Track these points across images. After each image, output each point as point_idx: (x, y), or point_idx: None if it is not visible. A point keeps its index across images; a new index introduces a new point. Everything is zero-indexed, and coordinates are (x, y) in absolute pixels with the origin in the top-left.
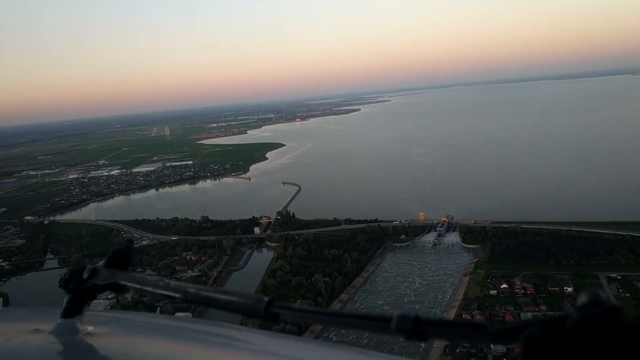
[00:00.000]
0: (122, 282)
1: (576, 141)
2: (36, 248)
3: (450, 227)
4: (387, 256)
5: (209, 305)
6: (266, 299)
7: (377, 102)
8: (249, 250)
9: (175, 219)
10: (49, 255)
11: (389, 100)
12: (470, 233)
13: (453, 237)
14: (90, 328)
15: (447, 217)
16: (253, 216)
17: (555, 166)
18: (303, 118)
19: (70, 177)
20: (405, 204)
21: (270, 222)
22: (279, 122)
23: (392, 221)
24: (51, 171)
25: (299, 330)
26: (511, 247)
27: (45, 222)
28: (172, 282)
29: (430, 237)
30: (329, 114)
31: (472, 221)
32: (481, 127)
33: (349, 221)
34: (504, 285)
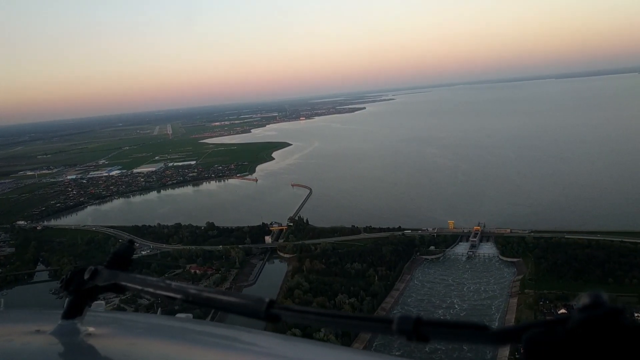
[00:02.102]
0: (123, 283)
1: (598, 140)
2: (26, 258)
3: (484, 236)
4: (417, 271)
5: (210, 307)
6: (267, 300)
7: (381, 100)
8: (260, 262)
9: (178, 225)
10: (40, 266)
11: (393, 99)
12: (508, 244)
13: (488, 249)
14: (91, 329)
15: (479, 225)
16: (263, 222)
17: (586, 167)
18: (307, 117)
19: (68, 177)
20: (428, 209)
21: (282, 229)
22: (283, 121)
23: (418, 229)
24: (49, 171)
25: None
26: (559, 261)
27: (38, 228)
28: (173, 283)
29: (462, 249)
30: (333, 113)
31: (508, 230)
32: (493, 126)
33: (369, 229)
34: (562, 310)
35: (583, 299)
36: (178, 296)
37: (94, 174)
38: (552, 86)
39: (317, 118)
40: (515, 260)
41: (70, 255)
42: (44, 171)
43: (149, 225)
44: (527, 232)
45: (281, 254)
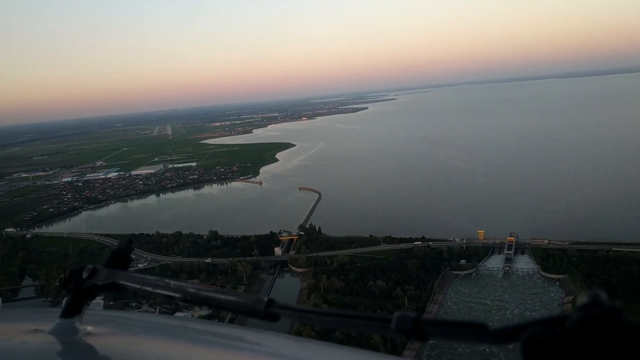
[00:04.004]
0: (122, 282)
1: (619, 140)
2: (12, 270)
3: (518, 248)
4: (449, 290)
5: (209, 306)
6: (266, 298)
7: (383, 100)
8: (270, 277)
9: (179, 234)
10: (27, 280)
11: (395, 99)
12: (549, 258)
13: (526, 263)
14: (89, 328)
15: (512, 235)
16: (271, 231)
17: (614, 169)
18: (309, 117)
19: (64, 180)
20: (451, 216)
21: (293, 239)
22: (285, 121)
23: (444, 240)
24: (45, 173)
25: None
26: (613, 279)
27: (27, 236)
28: (172, 282)
29: (496, 263)
30: (335, 113)
31: (546, 241)
32: (504, 125)
33: (389, 239)
34: None
35: (582, 298)
36: (177, 295)
37: (90, 176)
38: (557, 85)
39: (319, 118)
40: (559, 277)
41: (60, 268)
42: (39, 173)
43: (147, 234)
44: (567, 243)
45: (293, 267)
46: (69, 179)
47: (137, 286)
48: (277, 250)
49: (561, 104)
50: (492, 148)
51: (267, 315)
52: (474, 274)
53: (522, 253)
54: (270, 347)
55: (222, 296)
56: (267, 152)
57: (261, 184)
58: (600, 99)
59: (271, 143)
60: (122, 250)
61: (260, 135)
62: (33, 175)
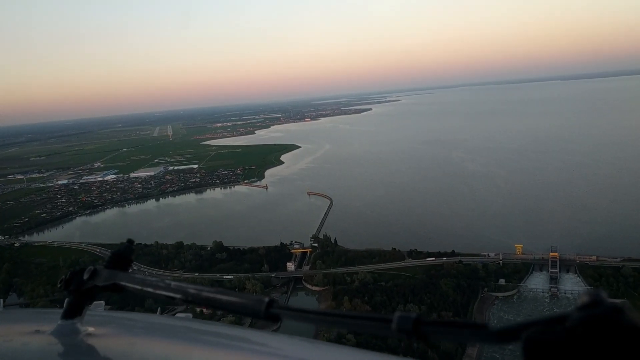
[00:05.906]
0: (123, 283)
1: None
2: None
3: (563, 265)
4: (490, 316)
5: (210, 306)
6: (267, 299)
7: (386, 101)
8: (283, 296)
9: (180, 245)
10: (11, 296)
11: (399, 100)
12: (601, 278)
13: (575, 284)
14: (90, 329)
15: (552, 249)
16: (281, 243)
17: None
18: (312, 118)
19: (59, 182)
20: (481, 227)
21: (306, 251)
22: (288, 122)
23: (477, 255)
24: (40, 175)
25: None
26: None
27: (16, 245)
28: (173, 283)
29: (540, 282)
30: (339, 114)
31: (593, 258)
32: (514, 127)
33: (414, 253)
34: None
35: (583, 297)
36: (178, 296)
37: (87, 178)
38: (561, 87)
39: (322, 119)
40: (617, 301)
41: (48, 282)
42: (34, 175)
43: (145, 245)
44: (619, 260)
45: (308, 285)
46: (65, 182)
47: (138, 287)
48: (290, 266)
49: (569, 106)
50: (508, 151)
51: (268, 315)
52: (515, 296)
53: (568, 271)
54: (271, 347)
55: (223, 297)
56: (271, 154)
57: (267, 188)
58: (609, 100)
59: (275, 145)
60: (122, 251)
61: (263, 137)
62: (28, 177)
